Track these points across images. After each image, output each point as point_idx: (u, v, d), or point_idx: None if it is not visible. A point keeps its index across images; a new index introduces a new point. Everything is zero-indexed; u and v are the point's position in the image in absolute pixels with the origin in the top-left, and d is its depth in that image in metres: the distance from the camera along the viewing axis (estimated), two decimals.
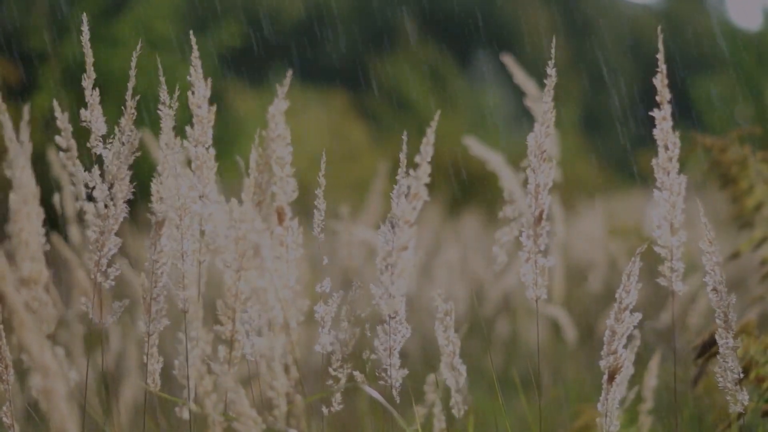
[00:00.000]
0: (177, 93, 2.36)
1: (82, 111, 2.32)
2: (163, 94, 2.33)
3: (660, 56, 2.31)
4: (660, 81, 2.31)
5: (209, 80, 2.36)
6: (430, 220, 7.75)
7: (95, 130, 2.34)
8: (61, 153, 2.47)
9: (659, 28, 2.37)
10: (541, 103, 2.35)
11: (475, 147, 3.87)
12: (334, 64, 21.85)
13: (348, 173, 12.83)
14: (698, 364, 2.75)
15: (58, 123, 2.45)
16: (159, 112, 2.32)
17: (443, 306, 2.44)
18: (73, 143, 2.50)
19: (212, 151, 2.35)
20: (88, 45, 2.36)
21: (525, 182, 3.77)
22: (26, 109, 2.71)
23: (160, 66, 2.39)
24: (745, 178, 3.25)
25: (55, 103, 2.47)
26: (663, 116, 2.32)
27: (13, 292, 1.79)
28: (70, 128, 2.47)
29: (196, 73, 2.35)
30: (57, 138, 2.46)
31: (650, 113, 2.33)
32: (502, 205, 2.98)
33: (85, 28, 2.36)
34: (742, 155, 3.25)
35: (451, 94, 20.54)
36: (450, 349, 2.45)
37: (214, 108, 2.36)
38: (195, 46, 2.37)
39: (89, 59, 2.35)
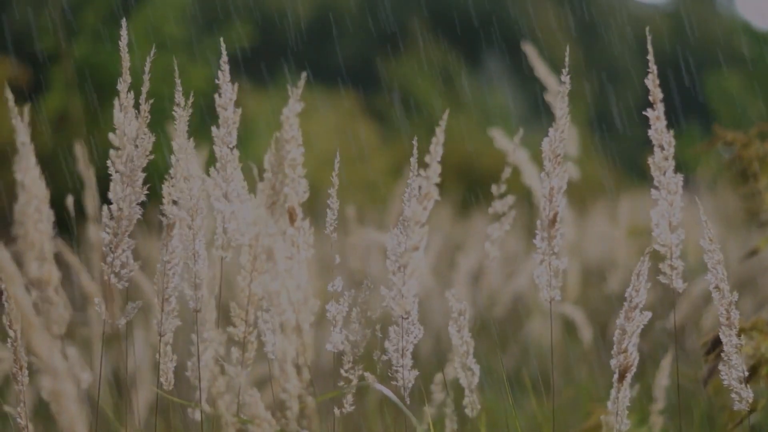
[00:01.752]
0: (191, 96, 2.36)
1: (116, 113, 2.33)
2: (178, 96, 2.33)
3: (650, 57, 2.32)
4: (652, 81, 2.33)
5: (236, 84, 2.37)
6: (440, 220, 7.75)
7: (128, 133, 2.34)
8: (112, 151, 2.47)
9: (647, 29, 2.38)
10: (556, 109, 2.35)
11: (499, 139, 3.87)
12: (343, 65, 21.86)
13: (358, 174, 12.84)
14: (708, 361, 2.74)
15: (116, 122, 2.46)
16: (168, 113, 2.33)
17: (457, 306, 2.45)
18: (125, 143, 2.50)
19: (236, 152, 2.36)
20: (126, 50, 2.36)
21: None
22: (27, 110, 2.71)
23: (172, 67, 2.40)
24: (766, 174, 3.24)
25: (116, 102, 2.46)
26: (657, 116, 2.34)
27: (21, 293, 1.80)
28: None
29: (223, 75, 2.36)
30: (110, 135, 2.46)
31: (644, 113, 2.34)
32: (494, 200, 2.97)
33: (123, 32, 2.36)
34: (764, 151, 3.24)
35: (461, 94, 20.54)
36: (464, 349, 2.45)
37: (239, 111, 2.37)
38: (224, 51, 2.38)
39: (125, 63, 2.36)
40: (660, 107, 2.33)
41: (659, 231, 2.32)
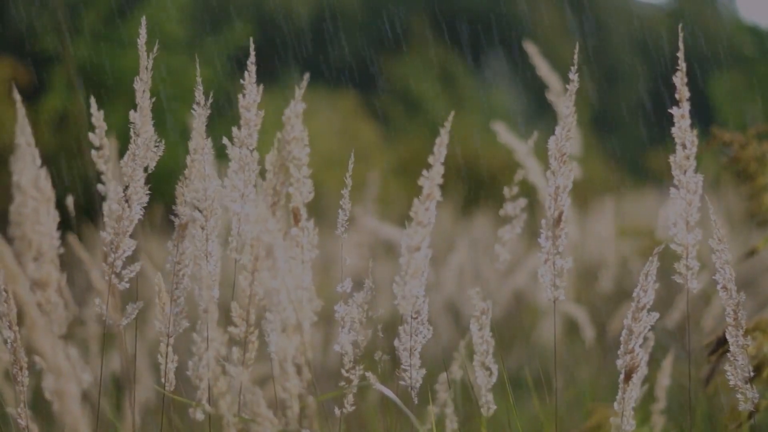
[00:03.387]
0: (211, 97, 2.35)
1: (132, 113, 2.33)
2: (198, 94, 2.33)
3: (680, 54, 2.30)
4: (680, 78, 2.30)
5: (261, 87, 2.36)
6: (441, 220, 7.74)
7: (143, 133, 2.34)
8: (93, 151, 2.47)
9: (680, 26, 2.36)
10: (563, 107, 2.34)
11: (503, 134, 3.86)
12: (344, 65, 21.85)
13: (358, 174, 12.81)
14: (711, 361, 2.74)
15: (93, 120, 2.46)
16: (167, 112, 2.32)
17: (480, 304, 2.44)
18: (105, 142, 2.50)
19: (256, 154, 2.36)
20: (144, 48, 2.35)
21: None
22: (24, 111, 2.70)
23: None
24: (764, 174, 3.24)
25: (93, 101, 2.47)
26: (681, 114, 2.31)
27: (25, 293, 1.79)
28: (104, 126, 2.47)
29: (250, 76, 2.36)
30: (91, 135, 2.46)
31: (669, 111, 2.32)
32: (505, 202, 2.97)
33: (143, 30, 2.35)
34: (761, 151, 3.24)
35: (462, 93, 20.53)
36: (484, 348, 2.45)
37: (262, 113, 2.36)
38: (253, 52, 2.37)
39: (143, 62, 2.35)
40: (685, 105, 2.31)
41: (676, 230, 2.31)
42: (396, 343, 2.29)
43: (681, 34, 2.32)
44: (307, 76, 2.44)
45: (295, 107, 2.40)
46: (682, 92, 2.31)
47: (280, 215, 2.42)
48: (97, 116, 2.46)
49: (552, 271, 2.33)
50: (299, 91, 2.41)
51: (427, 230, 2.24)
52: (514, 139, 3.86)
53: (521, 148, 3.81)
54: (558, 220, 2.33)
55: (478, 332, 2.45)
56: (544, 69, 4.25)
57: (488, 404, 2.47)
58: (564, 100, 2.34)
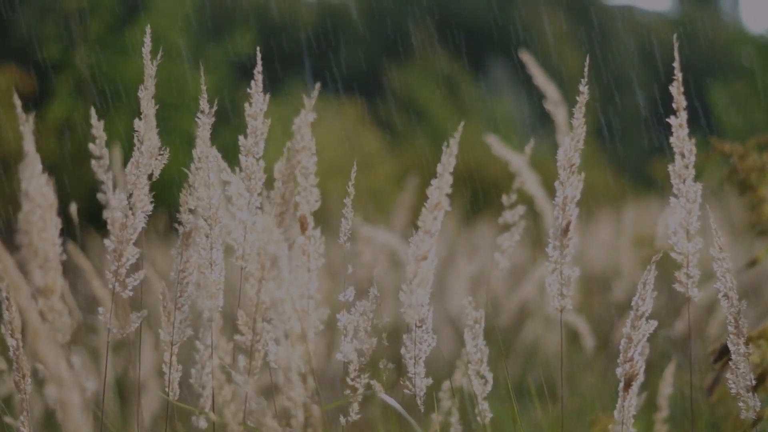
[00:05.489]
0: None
1: (136, 121, 2.33)
2: (203, 102, 2.33)
3: (676, 64, 2.30)
4: (676, 88, 2.31)
5: (267, 95, 2.37)
6: (444, 228, 7.75)
7: (147, 141, 2.34)
8: (93, 161, 2.47)
9: (675, 36, 2.37)
10: (573, 118, 2.33)
11: (497, 147, 3.86)
12: (349, 73, 21.87)
13: (362, 182, 12.84)
14: (715, 369, 2.74)
15: (94, 131, 2.46)
16: (172, 121, 2.33)
17: (474, 314, 2.44)
18: (105, 151, 2.50)
19: (262, 163, 2.36)
20: (149, 57, 2.36)
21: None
22: (32, 119, 2.71)
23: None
24: (765, 185, 3.25)
25: (93, 111, 2.47)
26: (679, 123, 2.32)
27: (27, 302, 1.80)
28: (104, 136, 2.47)
29: (256, 85, 2.36)
30: (91, 146, 2.46)
31: (667, 120, 2.32)
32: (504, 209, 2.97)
33: (147, 39, 2.36)
34: (761, 162, 3.24)
35: (466, 101, 20.54)
36: (478, 357, 2.45)
37: (268, 121, 2.36)
38: (259, 61, 2.37)
39: (148, 70, 2.35)
40: (683, 115, 2.31)
41: (676, 239, 2.31)
42: (402, 351, 2.29)
43: (676, 44, 2.32)
44: (318, 86, 2.45)
45: (306, 117, 2.40)
46: (679, 101, 2.32)
47: (287, 224, 2.42)
48: (97, 126, 2.46)
49: (559, 280, 2.33)
50: (310, 101, 2.41)
51: (434, 240, 2.24)
52: (508, 151, 3.86)
53: (516, 160, 3.81)
54: (566, 230, 2.32)
55: (472, 341, 2.45)
56: (540, 78, 4.24)
57: (484, 412, 2.47)
58: (576, 111, 2.33)
